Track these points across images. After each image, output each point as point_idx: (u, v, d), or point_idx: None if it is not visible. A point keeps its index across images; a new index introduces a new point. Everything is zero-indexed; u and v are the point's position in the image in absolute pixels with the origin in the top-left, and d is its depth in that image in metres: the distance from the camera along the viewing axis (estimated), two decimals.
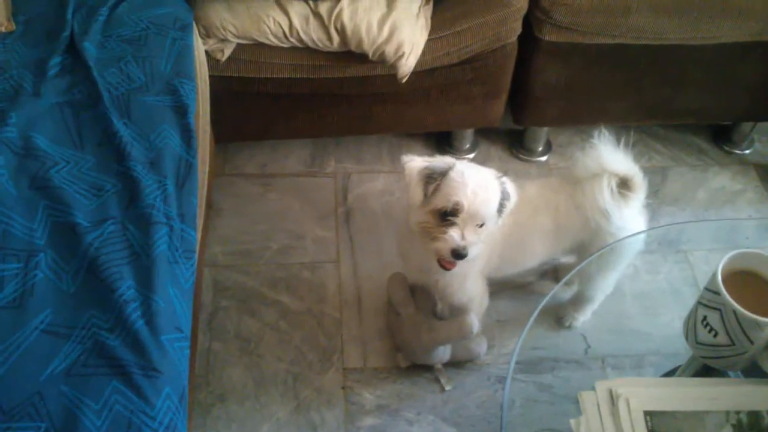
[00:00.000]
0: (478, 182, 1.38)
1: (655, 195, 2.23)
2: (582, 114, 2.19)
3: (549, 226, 1.62)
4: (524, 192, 1.61)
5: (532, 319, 1.31)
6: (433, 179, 1.39)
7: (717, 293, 1.03)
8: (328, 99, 2.00)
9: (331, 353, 1.84)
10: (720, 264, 1.05)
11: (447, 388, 1.78)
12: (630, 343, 1.66)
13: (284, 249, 2.05)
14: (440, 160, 1.42)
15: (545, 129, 2.29)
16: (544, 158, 2.34)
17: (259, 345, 1.85)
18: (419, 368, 1.81)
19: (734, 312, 1.02)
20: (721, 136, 2.41)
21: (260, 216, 2.13)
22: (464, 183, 1.37)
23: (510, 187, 1.45)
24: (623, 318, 1.76)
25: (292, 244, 2.06)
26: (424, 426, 1.73)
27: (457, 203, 1.35)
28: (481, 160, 2.11)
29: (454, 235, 1.36)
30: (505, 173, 1.49)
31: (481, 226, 1.39)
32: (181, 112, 1.47)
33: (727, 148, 2.40)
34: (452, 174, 1.39)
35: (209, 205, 1.97)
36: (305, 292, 1.96)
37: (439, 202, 1.38)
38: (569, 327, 1.83)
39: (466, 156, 2.31)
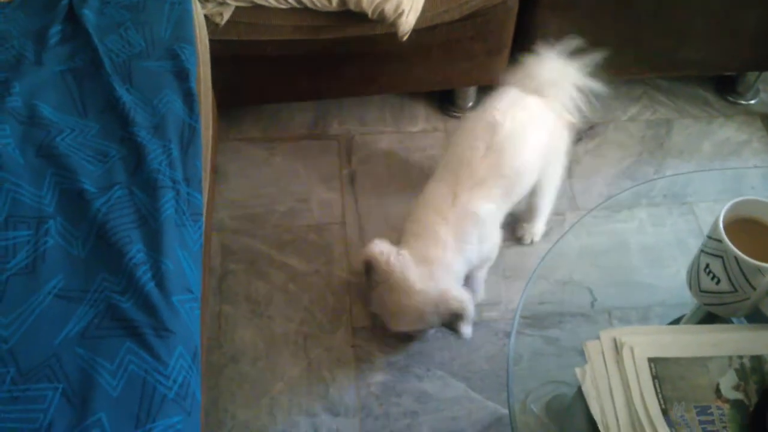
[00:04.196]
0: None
1: (660, 147, 2.23)
2: None
3: (544, 140, 1.72)
4: (527, 109, 1.71)
5: (534, 273, 1.33)
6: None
7: (719, 241, 1.04)
8: (330, 60, 1.99)
9: (340, 313, 1.87)
10: (721, 212, 1.06)
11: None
12: (636, 295, 1.67)
13: (290, 212, 2.07)
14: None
15: None
16: None
17: (269, 307, 1.87)
18: None
19: (736, 259, 1.03)
20: (726, 86, 2.39)
21: (266, 180, 2.14)
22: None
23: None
24: (629, 271, 1.76)
25: (298, 207, 2.08)
26: (433, 381, 1.76)
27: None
28: None
29: None
30: None
31: None
32: (183, 76, 1.46)
33: (731, 99, 2.38)
34: None
35: (215, 170, 1.98)
36: (313, 253, 1.98)
37: None
38: (531, 244, 1.95)
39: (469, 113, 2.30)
